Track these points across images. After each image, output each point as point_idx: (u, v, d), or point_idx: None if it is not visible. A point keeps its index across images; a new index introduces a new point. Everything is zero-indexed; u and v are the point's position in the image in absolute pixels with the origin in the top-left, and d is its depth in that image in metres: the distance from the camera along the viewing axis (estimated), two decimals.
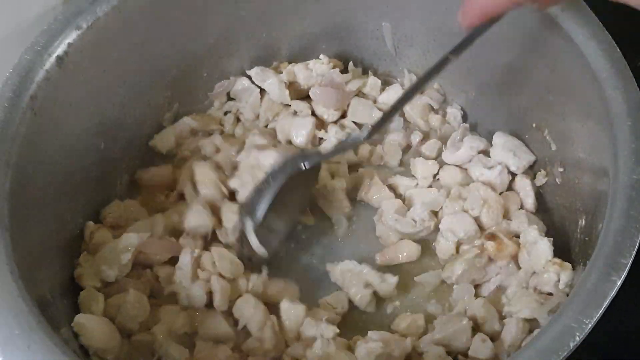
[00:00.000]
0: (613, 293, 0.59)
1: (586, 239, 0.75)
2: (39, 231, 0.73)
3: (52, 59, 0.75)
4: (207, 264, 0.81)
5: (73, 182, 0.81)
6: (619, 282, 0.59)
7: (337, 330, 0.77)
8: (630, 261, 0.60)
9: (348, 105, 0.98)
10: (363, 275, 0.82)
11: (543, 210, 0.87)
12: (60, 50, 0.76)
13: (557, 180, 0.84)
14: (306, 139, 0.94)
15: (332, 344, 0.75)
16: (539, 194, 0.88)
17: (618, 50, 0.72)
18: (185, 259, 0.80)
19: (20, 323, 0.59)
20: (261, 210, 0.81)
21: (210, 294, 0.80)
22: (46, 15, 0.83)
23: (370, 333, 0.77)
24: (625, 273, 0.60)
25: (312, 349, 0.75)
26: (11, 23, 0.83)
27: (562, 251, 0.79)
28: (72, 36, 0.77)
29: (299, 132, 0.94)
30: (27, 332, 0.58)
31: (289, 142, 0.95)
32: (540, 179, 0.87)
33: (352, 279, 0.83)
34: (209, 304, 0.80)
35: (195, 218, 0.84)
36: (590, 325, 0.57)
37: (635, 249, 0.61)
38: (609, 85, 0.70)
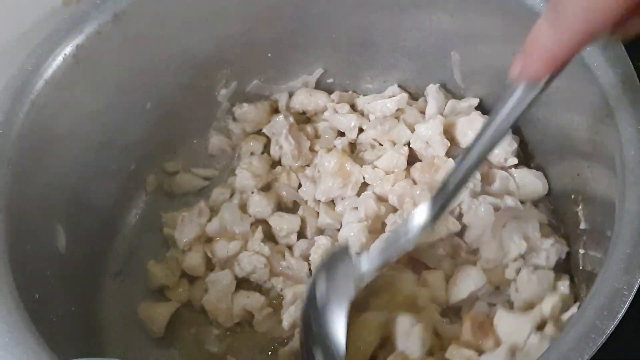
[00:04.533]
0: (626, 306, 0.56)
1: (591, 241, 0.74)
2: (38, 242, 0.73)
3: (56, 62, 0.75)
4: None
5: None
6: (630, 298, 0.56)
7: None
8: None
9: None
10: None
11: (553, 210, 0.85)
12: (63, 55, 0.75)
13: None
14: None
15: None
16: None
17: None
18: None
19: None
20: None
21: None
22: (47, 20, 0.83)
23: None
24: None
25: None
26: (13, 27, 0.83)
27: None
28: (76, 41, 0.76)
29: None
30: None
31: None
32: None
33: None
34: None
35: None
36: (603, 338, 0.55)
37: None
38: (607, 83, 0.68)
